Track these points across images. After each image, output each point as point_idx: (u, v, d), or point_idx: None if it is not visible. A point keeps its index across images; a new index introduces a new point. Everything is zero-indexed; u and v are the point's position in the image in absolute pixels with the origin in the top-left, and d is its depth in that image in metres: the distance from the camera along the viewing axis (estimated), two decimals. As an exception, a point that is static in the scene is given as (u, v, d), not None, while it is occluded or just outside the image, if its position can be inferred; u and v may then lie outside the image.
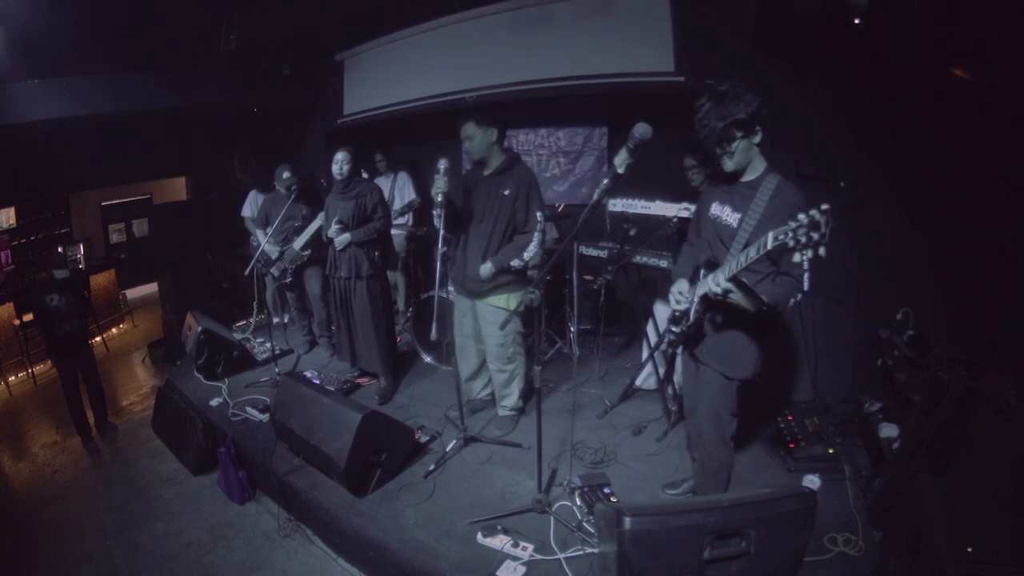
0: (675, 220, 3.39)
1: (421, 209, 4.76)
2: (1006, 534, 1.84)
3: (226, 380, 4.13)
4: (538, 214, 2.94)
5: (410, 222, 4.92)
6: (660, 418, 3.38)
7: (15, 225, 6.46)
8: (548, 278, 4.22)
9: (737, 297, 1.89)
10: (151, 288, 7.79)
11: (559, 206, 4.58)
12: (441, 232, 2.81)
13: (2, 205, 6.26)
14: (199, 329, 4.17)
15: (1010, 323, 2.51)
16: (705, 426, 2.33)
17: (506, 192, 2.91)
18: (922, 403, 2.50)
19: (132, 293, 7.67)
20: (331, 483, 2.90)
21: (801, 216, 1.54)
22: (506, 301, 3.02)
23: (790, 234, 1.56)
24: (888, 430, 2.73)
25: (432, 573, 2.33)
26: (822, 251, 1.52)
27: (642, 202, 3.61)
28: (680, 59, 3.78)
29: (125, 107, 4.91)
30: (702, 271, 2.17)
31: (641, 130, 1.93)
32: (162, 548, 2.95)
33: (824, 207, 1.51)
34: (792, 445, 2.86)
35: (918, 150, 2.88)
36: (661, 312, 3.46)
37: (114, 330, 6.74)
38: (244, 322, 5.56)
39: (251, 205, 4.95)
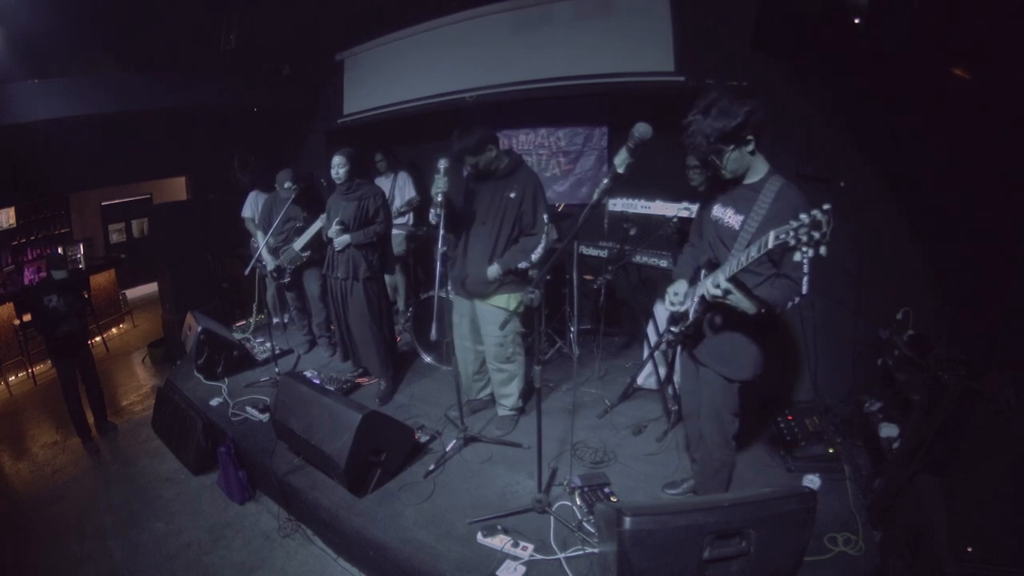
0: (675, 220, 3.39)
1: (421, 208, 4.76)
2: (1006, 534, 1.84)
3: (226, 380, 4.13)
4: (544, 216, 2.95)
5: (410, 222, 4.92)
6: (660, 418, 3.38)
7: (15, 225, 6.47)
8: (548, 278, 4.22)
9: (736, 298, 1.89)
10: (151, 288, 7.79)
11: (559, 206, 4.58)
12: (440, 232, 2.81)
13: (2, 205, 6.26)
14: (199, 329, 4.17)
15: (1010, 323, 2.51)
16: (707, 427, 2.33)
17: (512, 195, 2.91)
18: (922, 403, 2.50)
19: (132, 293, 7.67)
20: (331, 483, 2.90)
21: (803, 216, 1.54)
22: (507, 301, 3.02)
23: (791, 233, 1.56)
24: (888, 430, 2.73)
25: (432, 573, 2.33)
26: (823, 250, 1.52)
27: (642, 202, 3.61)
28: (680, 59, 3.78)
29: (125, 107, 4.91)
30: (702, 272, 2.17)
31: (641, 130, 1.93)
32: (162, 548, 2.95)
33: (826, 207, 1.51)
34: (792, 445, 2.86)
35: (918, 150, 2.88)
36: (661, 312, 3.46)
37: (114, 330, 6.74)
38: (244, 322, 5.56)
39: (251, 206, 4.95)
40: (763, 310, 1.91)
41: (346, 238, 3.52)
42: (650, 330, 3.50)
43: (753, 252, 1.76)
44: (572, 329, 4.17)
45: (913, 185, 2.99)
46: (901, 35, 2.64)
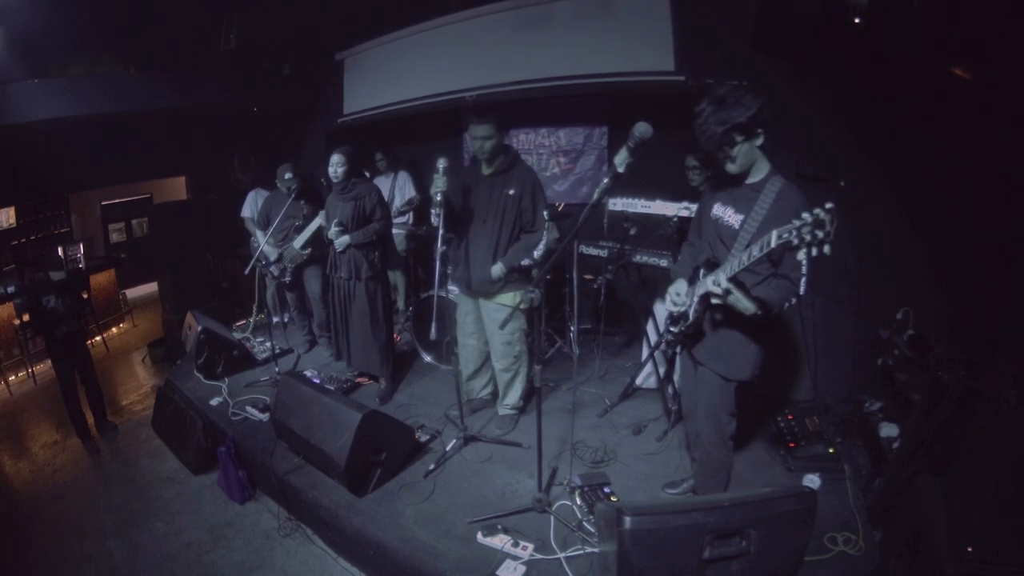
0: (675, 219, 3.40)
1: (421, 208, 4.76)
2: (1006, 534, 1.84)
3: (226, 379, 4.13)
4: (544, 212, 2.95)
5: (410, 221, 4.93)
6: (660, 417, 3.38)
7: (15, 225, 6.47)
8: (548, 277, 4.22)
9: (736, 298, 1.89)
10: (151, 288, 7.78)
11: (559, 205, 4.58)
12: (440, 231, 2.80)
13: (2, 205, 6.26)
14: (199, 328, 4.17)
15: (1010, 323, 2.51)
16: (704, 426, 2.33)
17: (511, 192, 2.91)
18: (922, 403, 2.50)
19: (132, 293, 7.67)
20: (331, 482, 2.90)
21: (805, 215, 1.54)
22: (513, 298, 3.02)
23: (794, 232, 1.56)
24: (888, 430, 2.73)
25: (432, 572, 2.33)
26: (827, 249, 1.52)
27: (642, 201, 3.61)
28: (680, 59, 3.79)
29: (125, 107, 4.92)
30: (701, 271, 2.17)
31: (641, 129, 1.93)
32: (162, 548, 2.95)
33: (828, 205, 1.51)
34: (792, 444, 2.86)
35: (918, 150, 2.88)
36: (661, 311, 3.46)
37: (114, 329, 6.74)
38: (244, 321, 5.56)
39: (251, 206, 4.95)
40: (760, 310, 1.91)
41: (346, 239, 3.52)
42: (650, 329, 3.50)
43: (755, 251, 1.76)
44: (572, 328, 4.17)
45: (913, 185, 2.99)
46: (901, 35, 2.64)
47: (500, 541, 2.39)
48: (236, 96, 5.63)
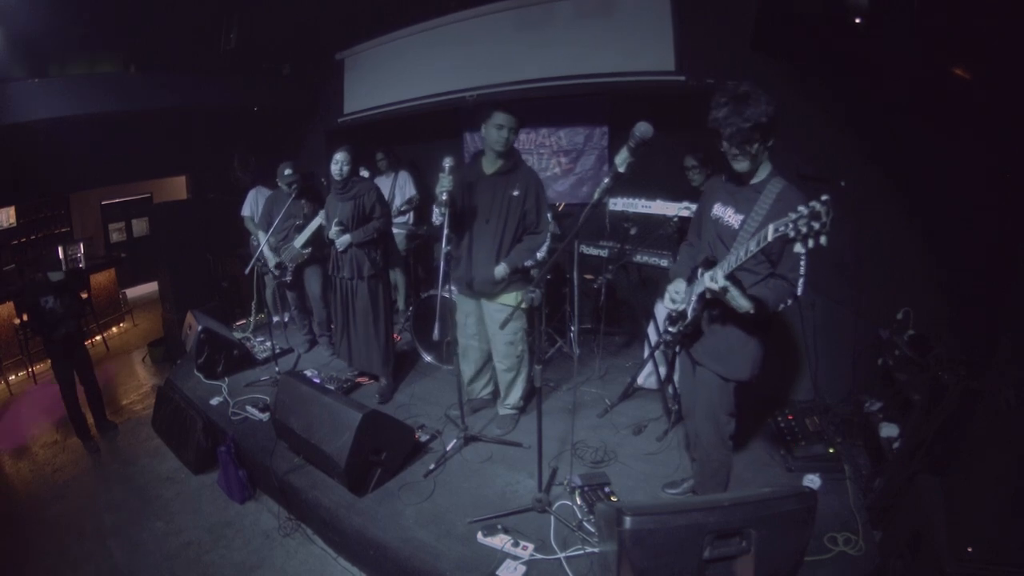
0: (675, 219, 3.40)
1: (421, 207, 4.76)
2: (1006, 534, 1.84)
3: (226, 379, 4.13)
4: (548, 214, 2.96)
5: (411, 221, 4.93)
6: (660, 417, 3.39)
7: (15, 225, 6.46)
8: (548, 277, 4.22)
9: (733, 295, 1.89)
10: (151, 287, 7.78)
11: (560, 205, 4.58)
12: (445, 231, 2.78)
13: (2, 205, 6.26)
14: (199, 328, 4.17)
15: (1010, 323, 2.51)
16: (703, 426, 2.33)
17: (515, 193, 2.91)
18: (922, 403, 2.50)
19: (132, 292, 7.67)
20: (331, 482, 2.90)
21: (801, 207, 1.55)
22: (515, 299, 3.02)
23: (791, 225, 1.57)
24: (888, 430, 2.73)
25: (432, 572, 2.33)
26: (823, 240, 1.52)
27: (643, 201, 3.61)
28: (680, 59, 3.79)
29: (125, 107, 4.91)
30: (700, 270, 2.17)
31: (642, 129, 1.93)
32: (162, 547, 2.95)
33: (824, 197, 1.52)
34: (792, 444, 2.86)
35: (918, 150, 2.88)
36: (661, 311, 3.46)
37: (114, 329, 6.74)
38: (244, 321, 5.56)
39: (251, 205, 4.95)
40: (757, 309, 1.91)
41: (347, 238, 3.52)
42: (650, 329, 3.51)
43: (752, 246, 1.77)
44: (572, 328, 4.17)
45: (913, 185, 2.99)
46: (901, 35, 2.64)
47: (500, 541, 2.39)
48: (236, 96, 5.63)
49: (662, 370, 3.44)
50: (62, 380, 4.01)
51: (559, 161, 5.07)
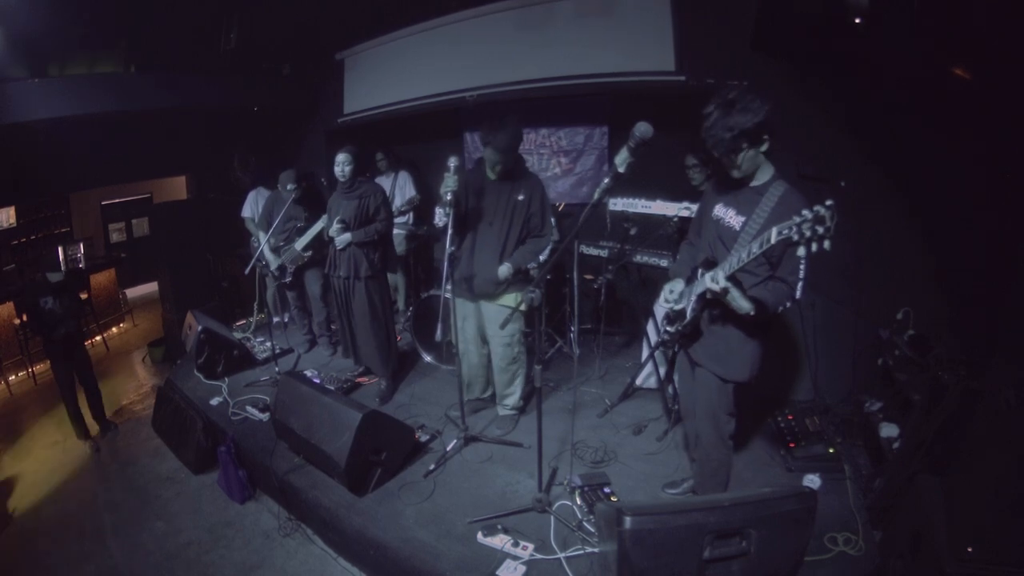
0: (675, 219, 3.40)
1: (421, 208, 4.76)
2: (1006, 534, 1.84)
3: (226, 379, 4.13)
4: (552, 218, 2.97)
5: (410, 221, 4.92)
6: (660, 417, 3.39)
7: (15, 225, 6.46)
8: (548, 277, 4.22)
9: (733, 296, 1.89)
10: (151, 287, 7.78)
11: (560, 205, 4.59)
12: (449, 232, 2.77)
13: (2, 205, 6.26)
14: (199, 328, 4.17)
15: (1010, 323, 2.51)
16: (703, 426, 2.33)
17: (520, 197, 2.92)
18: (922, 403, 2.50)
19: (132, 292, 7.67)
20: (331, 482, 2.90)
21: (805, 211, 1.55)
22: (514, 300, 3.02)
23: (794, 228, 1.57)
24: (888, 430, 2.74)
25: (432, 572, 2.33)
26: (827, 245, 1.53)
27: (643, 201, 3.61)
28: (680, 59, 3.78)
29: (125, 107, 4.91)
30: (699, 271, 2.17)
31: (642, 129, 1.93)
32: (162, 547, 2.95)
33: (829, 202, 1.52)
34: (792, 444, 2.86)
35: (918, 150, 2.88)
36: (661, 311, 3.46)
37: (114, 329, 6.74)
38: (244, 321, 5.56)
39: (251, 205, 4.95)
40: (756, 311, 1.91)
41: (347, 237, 3.52)
42: (650, 330, 3.51)
43: (755, 248, 1.77)
44: (572, 329, 4.17)
45: (913, 185, 2.99)
46: (901, 35, 2.64)
47: (500, 541, 2.39)
48: (236, 96, 5.63)
49: (662, 370, 3.45)
50: (62, 380, 4.01)
51: (559, 161, 5.07)
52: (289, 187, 4.08)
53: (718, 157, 1.97)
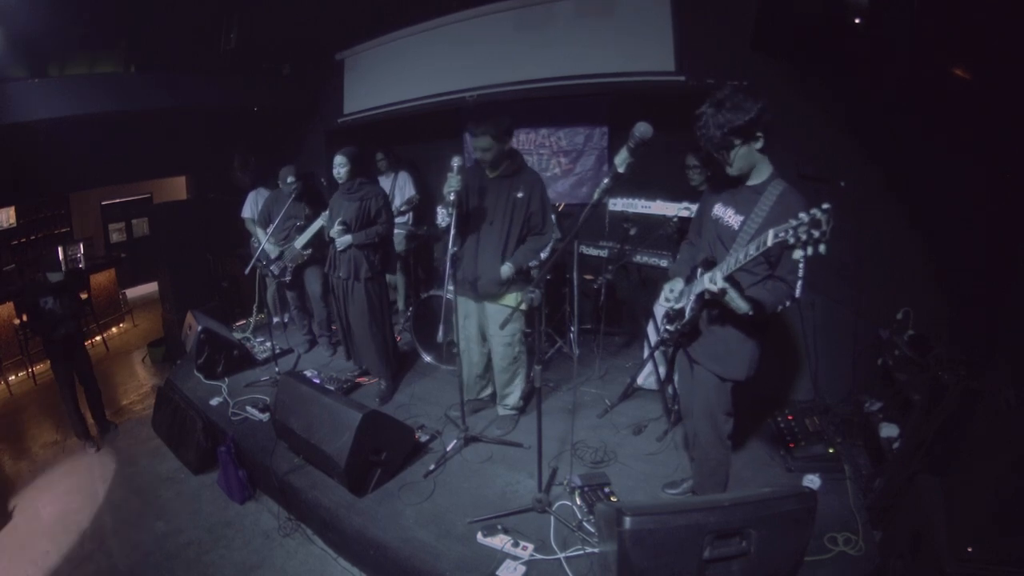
0: (675, 219, 3.40)
1: (421, 208, 4.76)
2: (1006, 534, 1.84)
3: (226, 379, 4.13)
4: (552, 216, 2.96)
5: (410, 221, 4.92)
6: (660, 417, 3.39)
7: (15, 225, 6.46)
8: (548, 277, 4.22)
9: (731, 296, 1.90)
10: (151, 287, 7.78)
11: (559, 205, 4.59)
12: (452, 232, 2.76)
13: (2, 205, 6.26)
14: (199, 328, 4.17)
15: (1010, 323, 2.51)
16: (701, 425, 2.34)
17: (519, 195, 2.91)
18: (922, 403, 2.50)
19: (132, 292, 7.67)
20: (331, 482, 2.90)
21: (802, 214, 1.55)
22: (515, 300, 3.02)
23: (791, 231, 1.57)
24: (888, 430, 2.73)
25: (432, 572, 2.33)
26: (823, 248, 1.53)
27: (642, 201, 3.62)
28: (680, 59, 3.78)
29: (125, 107, 4.91)
30: (699, 270, 2.17)
31: (642, 129, 1.93)
32: (162, 547, 2.95)
33: (825, 206, 1.52)
34: (792, 444, 2.86)
35: (918, 150, 2.88)
36: (661, 311, 3.46)
37: (114, 329, 6.74)
38: (244, 321, 5.55)
39: (251, 206, 4.95)
40: (754, 311, 1.91)
41: (348, 238, 3.52)
42: (650, 330, 3.50)
43: (752, 250, 1.77)
44: (572, 329, 4.17)
45: (913, 185, 2.99)
46: (901, 35, 2.64)
47: (500, 541, 2.39)
48: (236, 96, 5.63)
49: (662, 370, 3.44)
50: (62, 380, 4.01)
51: (559, 161, 5.07)
52: (289, 180, 4.08)
53: (712, 154, 1.99)
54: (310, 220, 4.15)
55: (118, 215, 8.16)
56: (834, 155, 3.20)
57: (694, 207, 2.99)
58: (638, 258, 3.65)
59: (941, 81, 2.68)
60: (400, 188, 4.98)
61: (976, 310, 2.76)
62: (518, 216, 2.94)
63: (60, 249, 5.71)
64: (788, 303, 1.94)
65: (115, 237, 8.15)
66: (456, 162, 2.72)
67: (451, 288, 3.01)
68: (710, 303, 2.10)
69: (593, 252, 4.01)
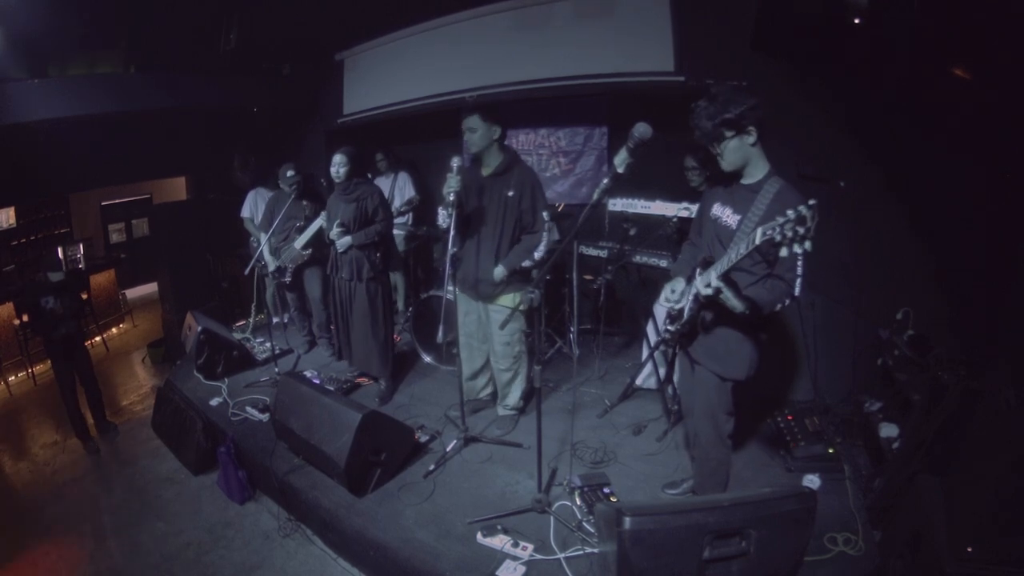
0: (675, 220, 3.40)
1: (421, 208, 4.76)
2: (1006, 534, 1.84)
3: (226, 380, 4.13)
4: (544, 213, 2.94)
5: (410, 222, 4.92)
6: (660, 418, 3.38)
7: (15, 225, 6.46)
8: (548, 278, 4.22)
9: (727, 296, 1.90)
10: (151, 288, 7.79)
11: (559, 206, 4.58)
12: (452, 232, 2.75)
13: (2, 205, 6.25)
14: (199, 329, 4.17)
15: (1010, 323, 2.51)
16: (701, 425, 2.34)
17: (510, 193, 2.90)
18: (922, 403, 2.50)
19: (132, 293, 7.67)
20: (331, 483, 2.90)
21: (789, 211, 1.56)
22: (512, 300, 3.01)
23: (777, 229, 1.58)
24: (888, 430, 2.73)
25: (432, 573, 2.33)
26: (808, 245, 1.55)
27: (642, 202, 3.61)
28: (680, 59, 3.78)
29: (125, 107, 4.92)
30: (697, 270, 2.17)
31: (641, 130, 1.93)
32: (162, 548, 2.95)
33: (811, 202, 1.53)
34: (792, 445, 2.86)
35: (918, 150, 2.88)
36: (661, 312, 3.46)
37: (114, 330, 6.74)
38: (244, 322, 5.55)
39: (251, 206, 4.95)
40: (750, 310, 1.91)
41: (348, 240, 3.52)
42: (650, 330, 3.51)
43: (742, 249, 1.78)
44: (572, 329, 4.17)
45: (913, 185, 2.99)
46: (901, 35, 2.64)
47: (500, 541, 2.39)
48: (236, 96, 5.63)
49: (662, 370, 3.44)
50: (62, 381, 4.01)
51: (559, 162, 5.07)
52: (289, 174, 4.07)
53: (706, 147, 2.00)
54: (310, 220, 4.15)
55: (118, 215, 8.16)
56: (834, 155, 3.20)
57: (694, 207, 2.99)
58: (638, 258, 3.64)
59: (941, 81, 2.68)
60: (400, 189, 4.98)
61: (976, 310, 2.76)
62: (510, 216, 2.93)
63: (60, 249, 5.71)
64: (788, 301, 1.94)
65: (115, 237, 8.15)
66: (455, 162, 2.71)
67: (451, 288, 3.00)
68: (707, 303, 2.10)
69: (593, 252, 4.01)
